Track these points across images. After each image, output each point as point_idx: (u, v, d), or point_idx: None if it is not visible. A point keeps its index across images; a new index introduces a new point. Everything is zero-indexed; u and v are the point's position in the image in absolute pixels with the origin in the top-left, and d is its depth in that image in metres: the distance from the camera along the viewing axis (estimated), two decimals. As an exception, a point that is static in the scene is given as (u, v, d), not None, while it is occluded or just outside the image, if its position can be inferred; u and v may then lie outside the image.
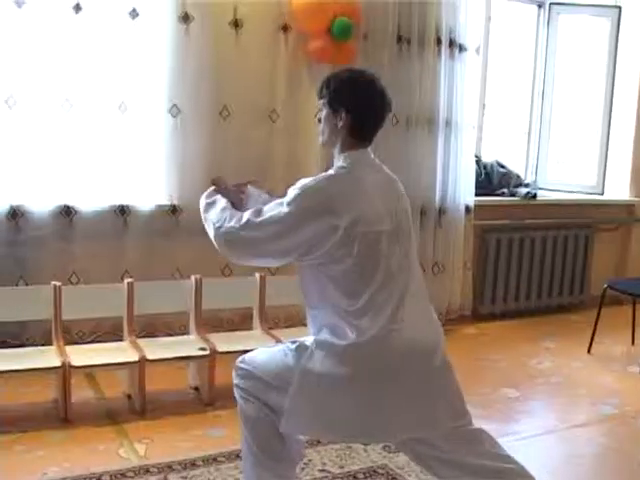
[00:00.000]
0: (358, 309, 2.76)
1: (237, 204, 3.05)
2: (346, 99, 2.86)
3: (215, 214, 2.94)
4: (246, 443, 3.03)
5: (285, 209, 2.75)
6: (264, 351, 3.10)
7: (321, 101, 2.94)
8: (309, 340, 2.89)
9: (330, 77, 2.95)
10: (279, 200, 2.82)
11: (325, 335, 2.82)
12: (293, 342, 2.95)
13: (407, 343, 2.79)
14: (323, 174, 2.85)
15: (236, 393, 3.03)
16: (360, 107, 2.86)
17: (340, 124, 2.86)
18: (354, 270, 2.75)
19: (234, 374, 3.05)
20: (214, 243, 2.93)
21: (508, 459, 2.94)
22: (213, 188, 3.11)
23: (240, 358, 3.07)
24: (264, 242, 2.80)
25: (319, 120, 2.97)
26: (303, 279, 2.94)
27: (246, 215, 2.83)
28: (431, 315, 2.98)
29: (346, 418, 2.78)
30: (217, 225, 2.89)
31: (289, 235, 2.76)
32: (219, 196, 3.04)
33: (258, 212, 2.82)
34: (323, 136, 2.95)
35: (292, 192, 2.79)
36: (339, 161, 2.89)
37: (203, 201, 3.08)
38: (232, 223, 2.84)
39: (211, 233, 2.94)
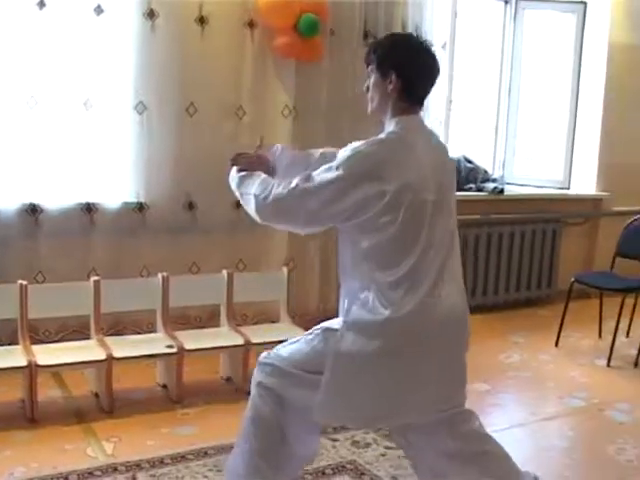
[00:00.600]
0: (395, 280, 2.71)
1: (268, 174, 2.99)
2: (395, 61, 2.81)
3: (255, 186, 2.84)
4: (247, 443, 2.98)
5: (334, 173, 2.69)
6: (288, 344, 3.02)
7: (369, 68, 2.88)
8: (337, 323, 2.85)
9: (376, 42, 2.94)
10: (327, 165, 2.75)
11: (356, 312, 2.77)
12: (319, 328, 2.92)
13: (441, 318, 2.78)
14: (374, 138, 2.78)
15: (255, 391, 2.98)
16: (410, 68, 2.81)
17: (390, 88, 2.80)
18: (395, 239, 2.70)
19: (257, 372, 2.99)
20: (256, 215, 2.82)
21: (494, 442, 3.03)
22: (236, 168, 3.02)
23: (263, 354, 3.02)
24: (313, 207, 2.71)
25: (367, 89, 2.90)
26: (340, 246, 2.89)
27: (295, 180, 2.75)
28: (464, 293, 2.96)
29: (381, 397, 2.76)
30: (262, 195, 2.78)
31: (338, 199, 2.68)
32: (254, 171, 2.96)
33: (307, 178, 2.74)
34: (372, 104, 2.89)
35: (342, 155, 2.74)
36: (390, 126, 2.83)
37: (235, 176, 2.98)
38: (279, 189, 2.75)
39: (252, 205, 2.82)
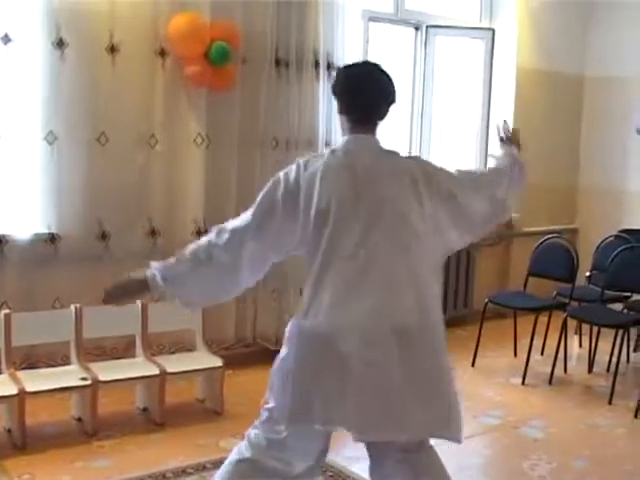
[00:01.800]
0: (311, 290, 2.80)
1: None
2: (334, 86, 3.02)
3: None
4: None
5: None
6: None
7: None
8: None
9: None
10: None
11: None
12: None
13: (360, 327, 2.70)
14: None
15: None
16: (341, 90, 2.99)
17: (338, 110, 3.00)
18: (308, 248, 2.83)
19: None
20: None
21: None
22: None
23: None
24: (253, 228, 2.86)
25: None
26: None
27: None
28: (416, 305, 2.78)
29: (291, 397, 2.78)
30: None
31: (268, 205, 2.86)
32: None
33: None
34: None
35: None
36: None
37: None
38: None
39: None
